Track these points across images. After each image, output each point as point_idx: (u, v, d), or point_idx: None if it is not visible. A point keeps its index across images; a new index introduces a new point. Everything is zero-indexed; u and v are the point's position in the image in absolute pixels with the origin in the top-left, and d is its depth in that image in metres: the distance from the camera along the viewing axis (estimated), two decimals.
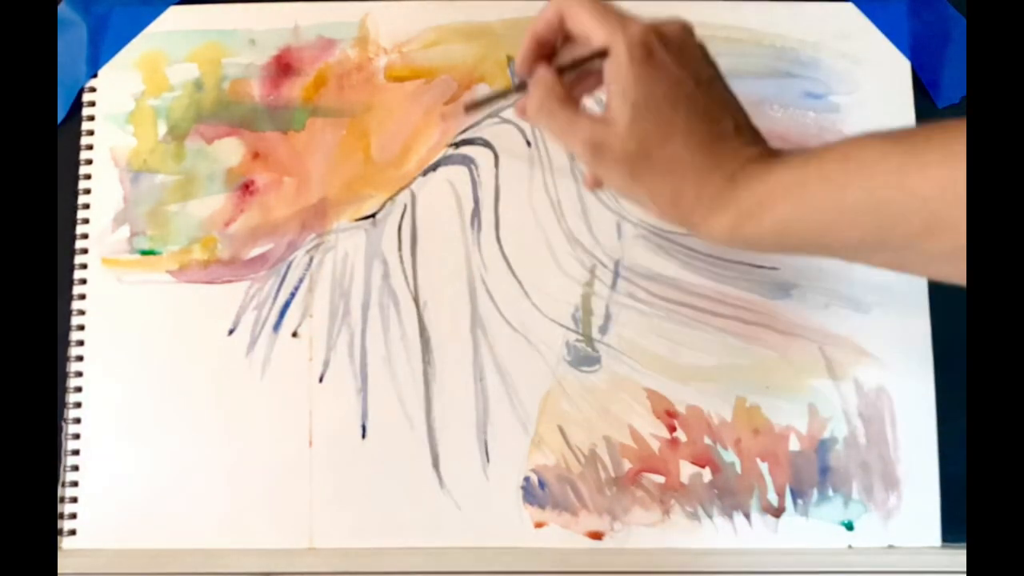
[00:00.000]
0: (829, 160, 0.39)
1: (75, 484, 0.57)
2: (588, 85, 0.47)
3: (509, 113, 0.60)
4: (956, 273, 0.37)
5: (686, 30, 0.44)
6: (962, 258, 0.36)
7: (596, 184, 0.49)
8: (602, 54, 0.43)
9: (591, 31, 0.43)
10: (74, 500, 0.57)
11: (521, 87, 0.47)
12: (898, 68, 0.61)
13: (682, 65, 0.42)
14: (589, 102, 0.54)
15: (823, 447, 0.57)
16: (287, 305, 0.58)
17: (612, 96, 0.42)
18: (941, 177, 0.35)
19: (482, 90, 0.60)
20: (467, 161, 0.60)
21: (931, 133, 0.37)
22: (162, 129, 0.61)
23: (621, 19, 0.43)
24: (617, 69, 0.42)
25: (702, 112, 0.42)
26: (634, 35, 0.42)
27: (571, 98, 0.44)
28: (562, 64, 0.45)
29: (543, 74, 0.45)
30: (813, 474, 0.57)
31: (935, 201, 0.35)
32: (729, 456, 0.57)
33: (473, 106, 0.51)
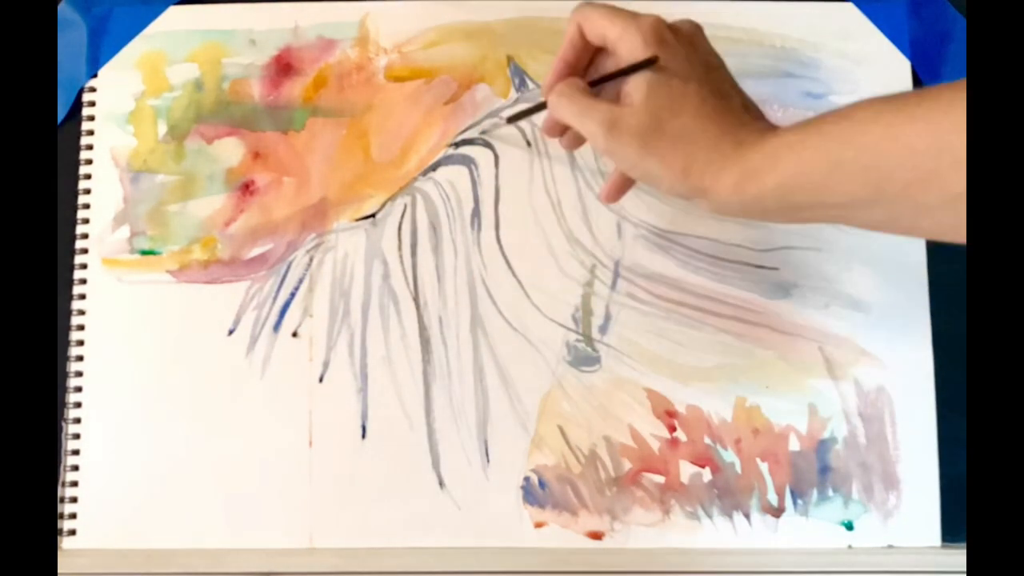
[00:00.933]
0: (827, 121, 0.41)
1: (75, 484, 0.57)
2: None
3: (508, 113, 0.60)
4: (949, 225, 0.39)
5: (695, 27, 0.48)
6: (953, 209, 0.37)
7: (571, 144, 0.53)
8: (631, 69, 0.45)
9: (606, 29, 0.46)
10: (74, 500, 0.57)
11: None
12: (898, 68, 0.61)
13: (692, 51, 0.46)
14: None
15: (823, 447, 0.57)
16: (287, 305, 0.58)
17: (627, 81, 0.45)
18: (931, 131, 0.37)
19: (483, 90, 0.60)
20: (467, 161, 0.60)
21: (924, 93, 0.39)
22: (162, 129, 0.61)
23: (634, 14, 0.46)
24: (632, 53, 0.45)
25: (712, 88, 0.45)
26: (646, 23, 0.45)
27: (588, 88, 0.47)
28: (591, 80, 0.48)
29: (565, 80, 0.48)
30: (813, 474, 0.57)
31: (925, 154, 0.37)
32: (729, 456, 0.57)
33: (514, 117, 0.53)
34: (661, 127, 0.43)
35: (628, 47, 0.45)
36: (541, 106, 0.50)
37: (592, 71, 0.49)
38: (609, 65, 0.48)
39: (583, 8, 0.47)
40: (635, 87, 0.44)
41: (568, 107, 0.46)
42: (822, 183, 0.41)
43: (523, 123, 0.60)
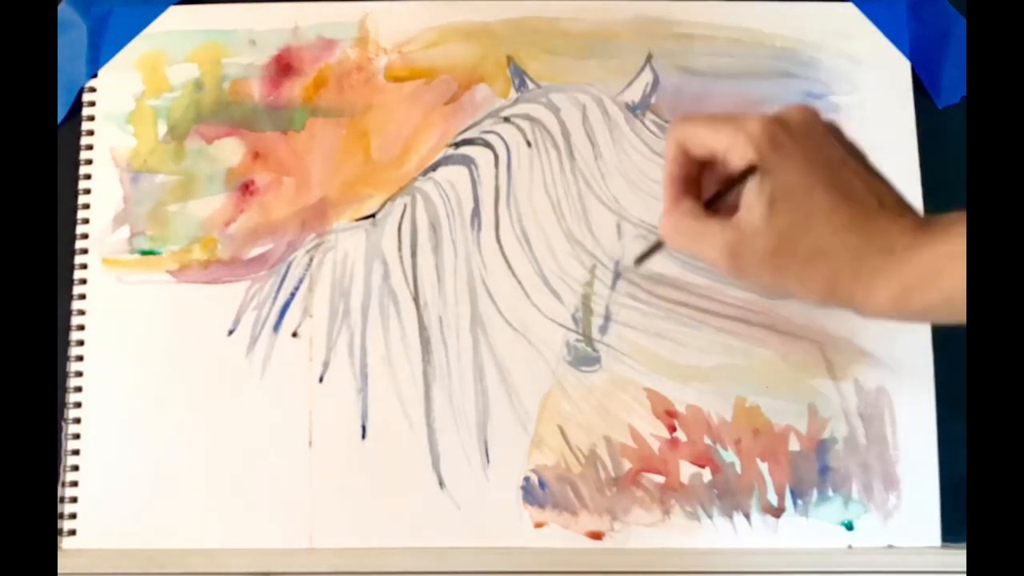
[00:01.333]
0: None
1: (75, 484, 0.57)
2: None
3: (509, 113, 0.60)
4: None
5: (809, 112, 0.42)
6: None
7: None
8: (743, 176, 0.41)
9: (710, 141, 0.42)
10: (74, 500, 0.57)
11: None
12: (898, 68, 0.61)
13: (811, 149, 0.41)
14: None
15: (823, 447, 0.57)
16: (287, 305, 0.58)
17: (743, 195, 0.41)
18: None
19: (483, 90, 0.60)
20: (467, 161, 0.60)
21: None
22: (162, 129, 0.61)
23: (736, 120, 0.41)
24: (744, 162, 0.41)
25: (841, 193, 0.40)
26: (754, 130, 0.41)
27: (701, 210, 0.43)
28: (708, 197, 0.44)
29: (676, 201, 0.43)
30: (813, 474, 0.57)
31: None
32: (729, 456, 0.57)
33: (642, 259, 0.47)
34: (792, 248, 0.40)
35: (740, 157, 0.41)
36: (661, 244, 0.46)
37: (706, 184, 0.45)
38: (720, 175, 0.44)
39: (681, 124, 0.43)
40: (753, 205, 0.40)
41: (682, 238, 0.42)
42: None
43: (523, 122, 0.60)
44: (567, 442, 0.57)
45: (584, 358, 0.58)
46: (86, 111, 0.61)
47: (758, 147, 0.40)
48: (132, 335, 0.58)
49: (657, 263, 0.58)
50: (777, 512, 0.56)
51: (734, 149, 0.41)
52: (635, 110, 0.60)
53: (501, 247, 0.59)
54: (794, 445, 0.57)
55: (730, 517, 0.56)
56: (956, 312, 0.38)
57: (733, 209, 0.42)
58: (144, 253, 0.59)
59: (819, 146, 0.41)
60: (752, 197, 0.40)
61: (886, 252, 0.39)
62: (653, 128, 0.60)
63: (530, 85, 0.61)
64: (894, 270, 0.39)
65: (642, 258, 0.47)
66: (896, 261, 0.39)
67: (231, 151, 0.60)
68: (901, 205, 0.42)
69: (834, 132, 0.43)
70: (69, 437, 0.57)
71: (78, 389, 0.58)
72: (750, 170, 0.40)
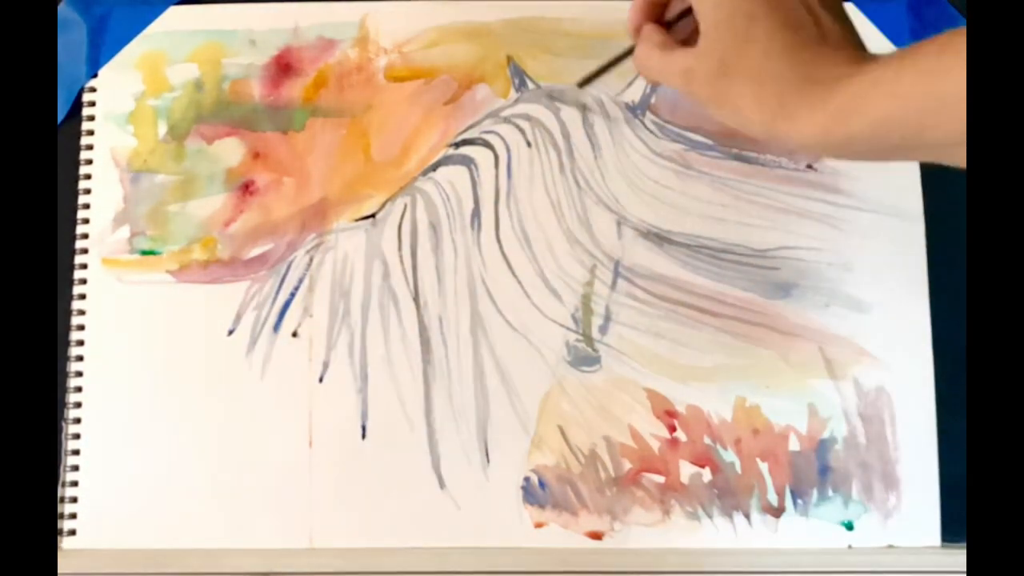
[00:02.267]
0: (924, 54, 0.37)
1: (75, 484, 0.57)
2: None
3: (509, 113, 0.60)
4: None
5: None
6: None
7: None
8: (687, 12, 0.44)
9: None
10: (74, 500, 0.57)
11: (631, 50, 0.47)
12: None
13: None
14: None
15: (823, 447, 0.57)
16: (287, 305, 0.58)
17: (699, 21, 0.42)
18: None
19: (483, 90, 0.60)
20: (467, 161, 0.60)
21: None
22: (162, 129, 0.61)
23: None
24: None
25: (782, 21, 0.41)
26: None
27: (669, 41, 0.45)
28: (670, 18, 0.46)
29: (646, 29, 0.46)
30: (813, 474, 0.57)
31: None
32: (729, 456, 0.57)
33: (587, 80, 0.51)
34: (727, 71, 0.41)
35: None
36: (611, 63, 0.49)
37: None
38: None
39: None
40: (703, 29, 0.42)
41: (650, 68, 0.45)
42: (921, 123, 0.36)
43: (523, 122, 0.60)
44: (567, 442, 0.57)
45: (584, 358, 0.58)
46: (86, 111, 0.61)
47: None
48: (132, 335, 0.58)
49: (657, 263, 0.58)
50: (777, 512, 0.56)
51: None
52: (635, 110, 0.60)
53: (501, 247, 0.59)
54: (794, 445, 0.57)
55: (730, 517, 0.56)
56: (879, 142, 0.38)
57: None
58: (144, 253, 0.59)
59: None
60: (702, 26, 0.42)
61: (815, 82, 0.39)
62: (653, 128, 0.60)
63: (530, 85, 0.61)
64: (821, 98, 0.39)
65: (589, 79, 0.50)
66: (824, 90, 0.39)
67: (231, 151, 0.60)
68: (846, 39, 0.42)
69: None
70: (69, 437, 0.57)
71: (78, 389, 0.58)
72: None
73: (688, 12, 0.45)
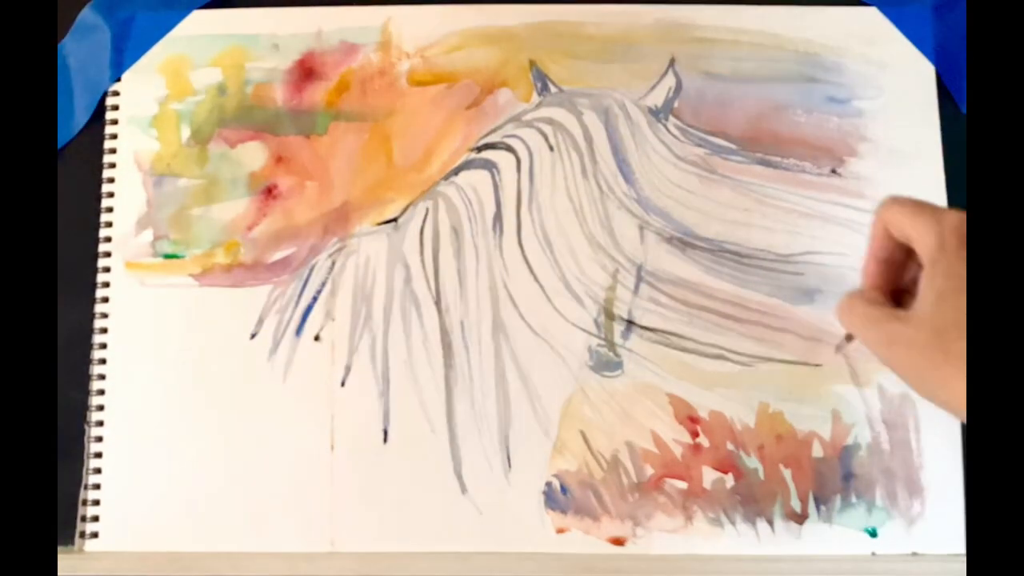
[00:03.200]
0: None
1: (97, 487, 0.57)
2: None
3: (531, 117, 0.60)
4: None
5: None
6: None
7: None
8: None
9: (909, 229, 0.41)
10: (96, 503, 0.57)
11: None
12: (922, 73, 0.60)
13: None
14: None
15: (847, 453, 0.57)
16: (309, 309, 0.58)
17: (921, 286, 0.40)
18: None
19: (505, 94, 0.60)
20: (489, 165, 0.60)
21: None
22: (185, 133, 0.61)
23: (938, 212, 0.41)
24: (930, 258, 0.40)
25: None
26: (949, 224, 0.40)
27: (883, 298, 0.43)
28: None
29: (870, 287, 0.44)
30: (836, 480, 0.56)
31: None
32: (752, 462, 0.57)
33: (842, 345, 0.49)
34: (946, 348, 0.38)
35: (925, 248, 0.40)
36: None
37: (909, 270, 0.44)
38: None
39: (888, 203, 0.43)
40: (924, 297, 0.39)
41: (850, 320, 0.43)
42: None
43: (546, 126, 0.60)
44: (589, 447, 0.57)
45: (606, 363, 0.58)
46: (109, 115, 0.61)
47: (944, 242, 0.39)
48: (155, 338, 0.58)
49: (679, 268, 0.58)
50: (800, 519, 0.56)
51: (924, 240, 0.40)
52: (658, 114, 0.60)
53: (523, 251, 0.59)
54: (817, 451, 0.57)
55: (753, 523, 0.56)
56: None
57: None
58: (167, 257, 0.59)
59: None
60: (926, 290, 0.40)
61: None
62: (676, 132, 0.60)
63: (552, 89, 0.61)
64: None
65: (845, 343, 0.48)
66: None
67: (254, 155, 0.60)
68: None
69: None
70: (92, 440, 0.57)
71: (101, 392, 0.58)
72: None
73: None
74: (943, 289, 0.39)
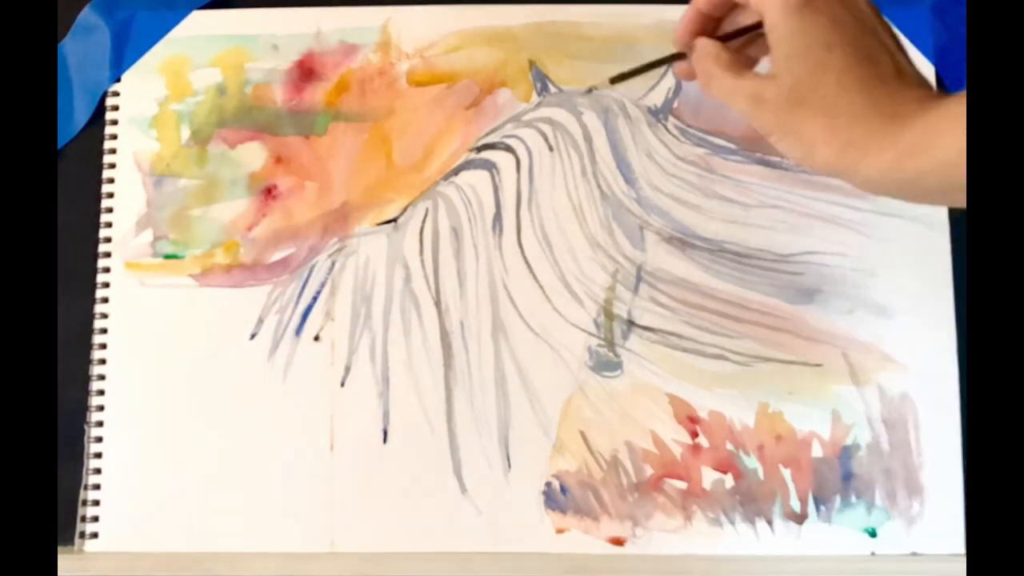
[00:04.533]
0: None
1: (97, 487, 0.57)
2: (760, 49, 0.46)
3: (531, 117, 0.60)
4: None
5: None
6: None
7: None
8: (746, 30, 0.44)
9: None
10: (96, 503, 0.57)
11: (676, 57, 0.47)
12: (921, 71, 0.60)
13: (841, 10, 0.41)
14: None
15: (846, 453, 0.57)
16: (309, 309, 0.58)
17: (771, 48, 0.42)
18: None
19: (505, 95, 0.60)
20: (488, 166, 0.60)
21: None
22: (185, 133, 0.61)
23: None
24: (773, 20, 0.41)
25: (859, 54, 0.40)
26: None
27: (737, 61, 0.44)
28: (725, 32, 0.46)
29: (703, 43, 0.45)
30: (836, 480, 0.56)
31: None
32: (751, 462, 0.57)
33: (619, 78, 0.50)
34: (801, 100, 0.40)
35: (769, 15, 0.42)
36: (649, 66, 0.49)
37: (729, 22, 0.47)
38: (742, 20, 0.46)
39: None
40: (776, 58, 0.41)
41: (715, 88, 0.44)
42: None
43: (545, 127, 0.60)
44: (589, 447, 0.57)
45: (606, 363, 0.58)
46: (109, 115, 0.61)
47: (788, 3, 0.41)
48: (154, 339, 0.58)
49: (679, 268, 0.58)
50: (800, 519, 0.56)
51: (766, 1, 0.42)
52: (657, 114, 0.60)
53: (523, 251, 0.59)
54: (817, 451, 0.57)
55: (752, 523, 0.56)
56: (949, 179, 0.37)
57: (754, 49, 0.45)
58: (167, 257, 0.59)
59: (850, 10, 0.41)
60: (776, 52, 0.41)
61: (888, 116, 0.39)
62: (675, 132, 0.60)
63: (552, 89, 0.61)
64: (893, 133, 0.38)
65: (623, 77, 0.49)
66: (897, 126, 0.38)
67: (254, 155, 0.60)
68: (918, 77, 0.42)
69: (870, 9, 0.43)
70: (91, 440, 0.57)
71: (100, 392, 0.58)
72: (750, 28, 0.43)
73: (744, 31, 0.45)
74: (791, 48, 0.41)
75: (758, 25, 0.43)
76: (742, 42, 0.45)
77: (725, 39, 0.45)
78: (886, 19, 0.43)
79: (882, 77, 0.40)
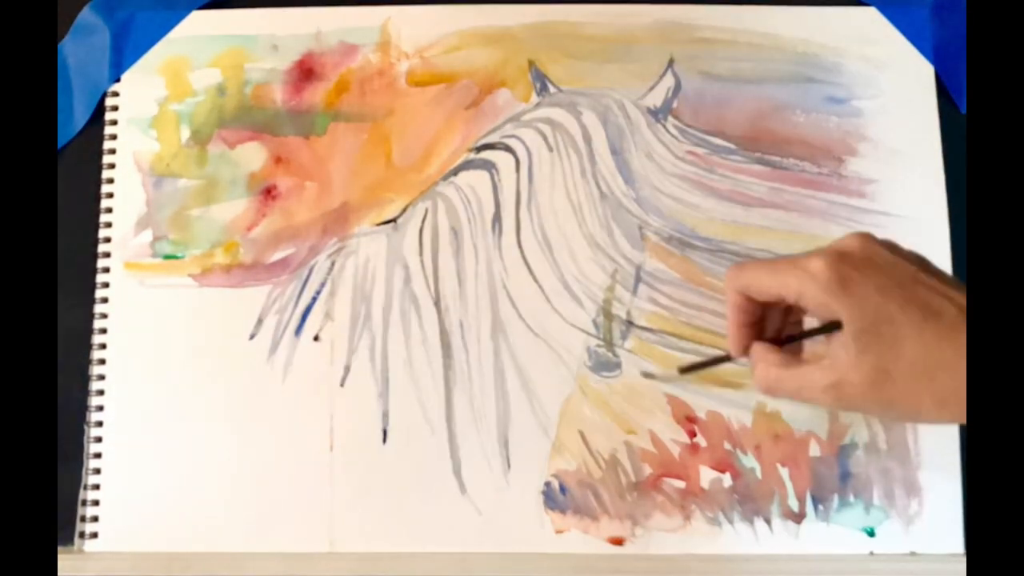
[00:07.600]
0: None
1: (97, 487, 0.57)
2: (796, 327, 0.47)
3: (530, 117, 0.60)
4: None
5: (866, 238, 0.43)
6: None
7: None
8: (828, 328, 0.42)
9: (778, 288, 0.42)
10: (96, 503, 0.57)
11: (726, 359, 0.47)
12: (921, 73, 0.61)
13: (879, 275, 0.41)
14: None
15: (844, 452, 0.57)
16: (308, 309, 0.58)
17: (830, 338, 0.42)
18: None
19: (504, 95, 0.60)
20: (488, 166, 0.60)
21: None
22: (185, 134, 0.61)
23: (797, 262, 0.42)
24: (817, 304, 0.41)
25: (921, 310, 0.40)
26: (818, 268, 0.41)
27: (791, 357, 0.44)
28: (783, 338, 0.45)
29: (756, 349, 0.44)
30: (834, 480, 0.56)
31: None
32: (749, 461, 0.57)
33: (687, 370, 0.51)
34: (889, 377, 0.40)
35: (812, 300, 0.41)
36: (713, 361, 0.49)
37: (770, 324, 0.46)
38: (791, 314, 0.46)
39: (739, 272, 0.44)
40: (840, 342, 0.41)
41: (783, 392, 0.43)
42: None
43: (544, 127, 0.60)
44: (588, 447, 0.57)
45: (605, 363, 0.58)
46: (109, 116, 0.61)
47: (829, 289, 0.40)
48: (154, 339, 0.58)
49: (678, 268, 0.58)
50: (798, 518, 0.56)
51: (806, 294, 0.41)
52: (657, 114, 0.60)
53: (522, 252, 0.59)
54: (815, 451, 0.57)
55: (751, 523, 0.56)
56: None
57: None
58: (167, 257, 0.59)
59: (885, 270, 0.41)
60: (838, 337, 0.41)
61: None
62: (675, 132, 0.60)
63: (551, 89, 0.61)
64: None
65: (690, 369, 0.51)
66: None
67: (253, 156, 0.60)
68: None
69: (893, 250, 0.43)
70: (91, 440, 0.57)
71: (100, 392, 0.58)
72: (835, 324, 0.41)
73: (804, 335, 0.45)
74: (855, 328, 0.40)
75: (818, 331, 0.43)
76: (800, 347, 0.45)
77: (781, 342, 0.45)
78: (916, 254, 0.43)
79: (953, 324, 0.40)
